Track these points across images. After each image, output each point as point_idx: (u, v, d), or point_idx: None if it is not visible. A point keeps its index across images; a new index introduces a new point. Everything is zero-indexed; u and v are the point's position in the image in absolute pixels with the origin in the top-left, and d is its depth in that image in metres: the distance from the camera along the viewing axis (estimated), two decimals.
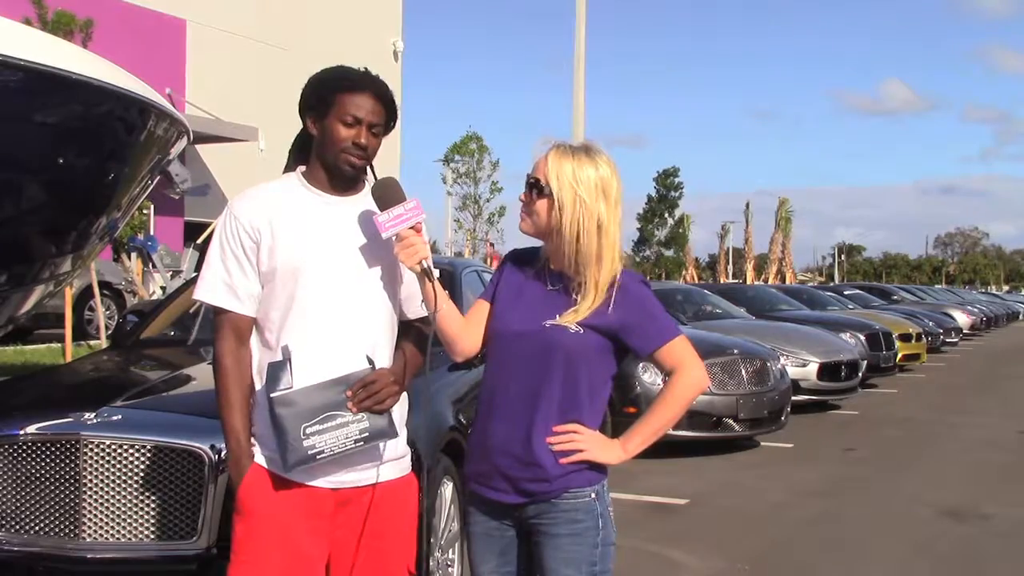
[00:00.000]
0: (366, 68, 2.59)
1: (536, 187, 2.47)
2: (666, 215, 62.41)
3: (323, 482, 2.48)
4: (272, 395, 2.40)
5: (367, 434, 2.43)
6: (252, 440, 2.52)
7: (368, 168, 2.63)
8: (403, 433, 2.64)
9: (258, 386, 2.53)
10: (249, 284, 2.52)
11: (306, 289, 2.49)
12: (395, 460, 2.60)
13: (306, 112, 2.56)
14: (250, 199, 2.56)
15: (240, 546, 2.49)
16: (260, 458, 2.51)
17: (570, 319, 2.44)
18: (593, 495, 2.47)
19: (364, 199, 2.60)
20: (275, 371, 2.44)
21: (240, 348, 2.54)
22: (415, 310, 2.68)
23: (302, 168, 2.62)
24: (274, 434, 2.41)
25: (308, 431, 2.38)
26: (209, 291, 2.54)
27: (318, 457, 2.39)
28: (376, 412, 2.45)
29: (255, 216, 2.51)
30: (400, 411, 2.61)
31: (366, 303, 2.55)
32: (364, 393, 2.43)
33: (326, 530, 2.51)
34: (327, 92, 2.52)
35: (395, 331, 2.65)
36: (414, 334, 2.69)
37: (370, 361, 2.49)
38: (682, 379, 2.50)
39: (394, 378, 2.50)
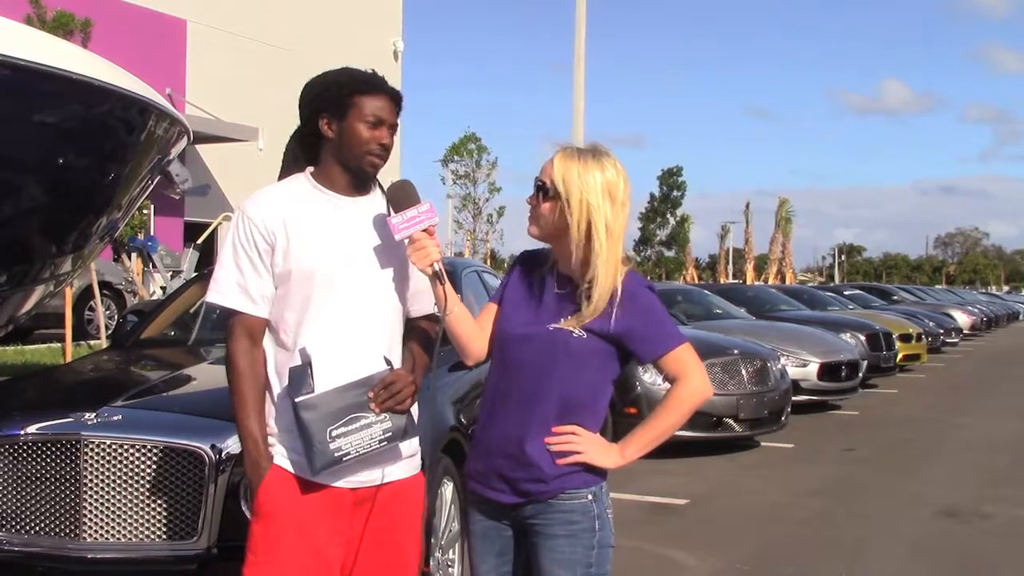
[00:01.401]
0: (373, 70, 2.60)
1: (543, 190, 2.47)
2: (668, 215, 62.35)
3: (342, 482, 2.49)
4: (296, 400, 2.40)
5: (390, 434, 2.45)
6: (271, 442, 2.52)
7: None
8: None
9: (274, 387, 2.54)
10: (263, 286, 2.53)
11: (321, 290, 2.50)
12: (408, 458, 2.62)
13: (319, 114, 2.56)
14: (264, 201, 2.56)
15: (259, 547, 2.47)
16: (280, 460, 2.50)
17: (574, 323, 2.44)
18: (590, 496, 2.47)
19: (374, 200, 2.62)
20: (296, 375, 2.44)
21: (254, 349, 2.54)
22: (420, 308, 2.69)
23: (310, 169, 2.63)
24: (300, 439, 2.41)
25: (334, 434, 2.39)
26: (222, 294, 2.54)
27: (344, 459, 2.41)
28: (397, 412, 2.46)
29: (269, 218, 2.52)
30: (413, 411, 2.62)
31: (380, 304, 2.57)
32: (385, 394, 2.44)
33: (344, 530, 2.51)
34: (344, 93, 2.53)
35: (402, 330, 2.67)
36: (420, 333, 2.70)
37: (388, 362, 2.50)
38: (684, 387, 2.49)
39: (412, 377, 2.51)
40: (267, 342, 2.57)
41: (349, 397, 2.42)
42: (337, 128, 2.54)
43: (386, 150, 2.55)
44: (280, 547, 2.45)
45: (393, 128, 2.57)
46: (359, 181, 2.60)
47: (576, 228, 2.42)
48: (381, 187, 2.66)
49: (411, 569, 2.61)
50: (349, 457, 2.41)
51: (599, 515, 2.47)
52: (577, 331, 2.43)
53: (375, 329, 2.55)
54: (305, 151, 2.64)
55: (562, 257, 2.50)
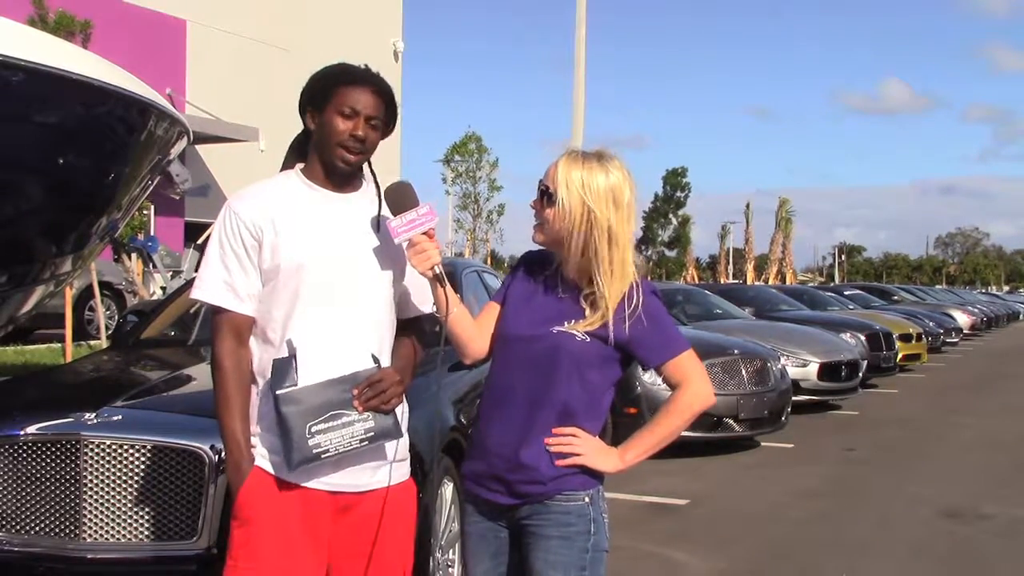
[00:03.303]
0: (366, 65, 2.57)
1: (546, 194, 2.45)
2: (671, 215, 62.31)
3: (322, 485, 2.44)
4: (278, 392, 2.35)
5: (372, 434, 2.41)
6: (252, 443, 2.48)
7: (368, 166, 2.62)
8: (405, 437, 2.59)
9: (258, 387, 2.50)
10: (249, 283, 2.48)
11: (310, 286, 2.46)
12: (397, 463, 2.56)
13: (305, 107, 2.54)
14: (250, 196, 2.52)
15: (239, 552, 2.43)
16: (261, 461, 2.46)
17: (578, 327, 2.42)
18: (587, 499, 2.45)
19: (364, 197, 2.59)
20: (281, 368, 2.39)
21: (240, 349, 2.48)
22: (413, 310, 2.67)
23: (300, 165, 2.59)
24: (278, 432, 2.37)
25: (314, 429, 2.34)
26: (208, 290, 2.49)
27: (323, 456, 2.36)
28: (382, 412, 2.42)
29: (256, 214, 2.47)
30: (401, 413, 2.57)
31: (369, 301, 2.53)
32: (371, 392, 2.40)
33: (326, 536, 2.47)
34: (327, 86, 2.51)
35: (394, 330, 2.63)
36: (414, 333, 2.68)
37: (375, 360, 2.47)
38: (687, 394, 2.48)
39: (399, 377, 2.48)
40: (253, 341, 2.51)
41: (332, 393, 2.37)
42: (318, 120, 2.51)
43: (360, 142, 2.49)
44: (260, 552, 2.40)
45: (372, 120, 2.51)
46: (340, 175, 2.54)
47: (580, 234, 2.40)
48: (377, 184, 2.63)
49: None
50: (328, 455, 2.36)
51: (595, 518, 2.45)
52: (580, 335, 2.42)
53: (364, 327, 2.50)
54: (301, 149, 2.61)
55: (566, 261, 2.48)
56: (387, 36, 27.97)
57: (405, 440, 2.59)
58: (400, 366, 2.55)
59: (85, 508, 3.53)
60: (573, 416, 2.45)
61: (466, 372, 4.76)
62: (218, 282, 2.48)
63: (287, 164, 2.64)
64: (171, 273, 16.62)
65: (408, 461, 2.63)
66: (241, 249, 2.47)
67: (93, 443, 3.55)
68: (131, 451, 3.55)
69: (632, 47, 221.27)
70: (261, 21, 23.01)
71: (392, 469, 2.54)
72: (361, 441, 2.39)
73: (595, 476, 2.47)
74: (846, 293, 22.89)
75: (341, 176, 2.55)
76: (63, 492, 3.56)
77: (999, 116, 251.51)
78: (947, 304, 30.73)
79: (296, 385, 2.36)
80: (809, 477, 7.96)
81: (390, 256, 2.54)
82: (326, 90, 2.50)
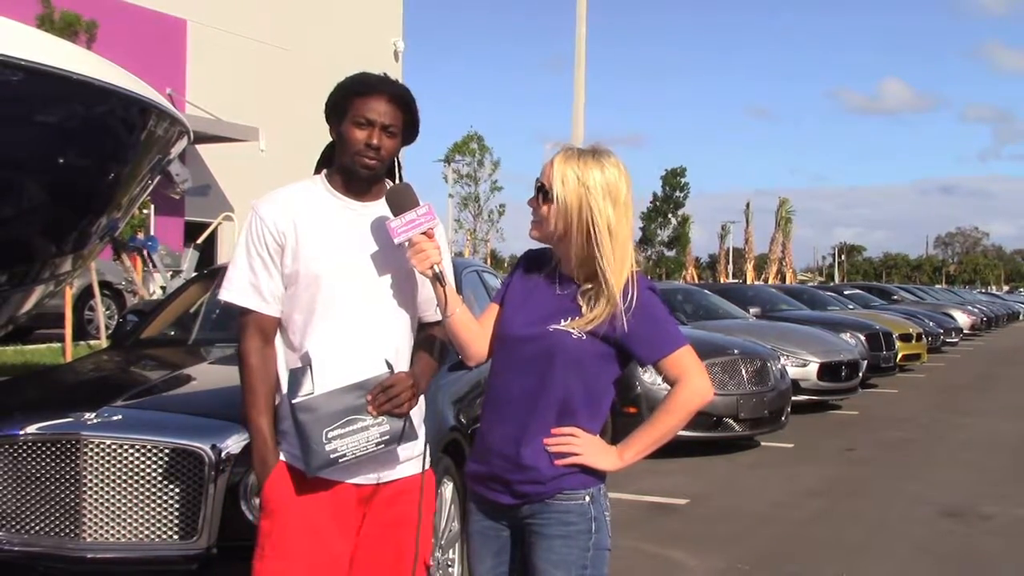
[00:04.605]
0: (385, 73, 2.63)
1: (543, 192, 2.46)
2: (670, 215, 62.33)
3: (348, 478, 2.52)
4: (294, 401, 2.44)
5: (387, 437, 2.47)
6: (278, 439, 2.56)
7: (398, 172, 2.69)
8: (423, 430, 2.67)
9: (283, 385, 2.57)
10: (274, 285, 2.57)
11: (328, 292, 2.54)
12: (417, 457, 2.65)
13: (329, 119, 2.62)
14: (275, 201, 2.60)
15: (267, 542, 2.52)
16: (286, 456, 2.54)
17: (576, 325, 2.42)
18: (587, 498, 2.46)
19: (385, 206, 2.63)
20: (296, 377, 2.48)
21: (266, 347, 2.58)
22: (432, 314, 2.71)
23: (325, 172, 2.67)
24: (297, 439, 2.45)
25: (330, 435, 2.42)
26: (235, 292, 2.58)
27: (340, 461, 2.44)
28: (395, 415, 2.48)
29: (280, 218, 2.56)
30: (419, 411, 2.65)
31: (387, 307, 2.60)
32: (383, 397, 2.46)
33: (352, 525, 2.55)
34: (342, 97, 2.57)
35: (412, 336, 2.69)
36: (428, 338, 2.73)
37: (389, 365, 2.52)
38: (685, 389, 2.47)
39: (412, 381, 2.53)
40: (277, 341, 2.61)
41: (347, 399, 2.44)
42: (337, 132, 2.59)
43: (376, 150, 2.55)
44: (288, 542, 2.49)
45: (388, 128, 2.56)
46: (361, 184, 2.61)
47: (577, 231, 2.41)
48: None
49: (418, 564, 2.62)
50: (345, 459, 2.44)
51: (596, 517, 2.46)
52: (576, 332, 2.42)
53: (380, 333, 2.57)
54: (331, 157, 2.69)
55: (564, 258, 2.49)
56: (387, 36, 27.94)
57: (423, 432, 2.67)
58: (416, 371, 2.61)
59: (85, 508, 3.53)
60: (572, 415, 2.45)
61: (466, 372, 4.77)
62: (244, 284, 2.57)
63: (317, 172, 2.71)
64: (171, 273, 16.59)
65: (428, 451, 2.71)
66: (266, 253, 2.56)
67: (93, 443, 3.55)
68: (131, 451, 3.55)
69: (631, 46, 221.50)
70: (261, 21, 22.98)
71: (414, 461, 2.63)
72: (377, 445, 2.46)
73: (596, 475, 2.47)
74: (846, 293, 22.88)
75: (362, 183, 2.61)
76: (63, 492, 3.56)
77: (999, 116, 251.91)
78: (947, 304, 30.73)
79: (312, 394, 2.43)
80: (809, 477, 7.96)
81: (406, 265, 2.57)
82: (342, 102, 2.57)
